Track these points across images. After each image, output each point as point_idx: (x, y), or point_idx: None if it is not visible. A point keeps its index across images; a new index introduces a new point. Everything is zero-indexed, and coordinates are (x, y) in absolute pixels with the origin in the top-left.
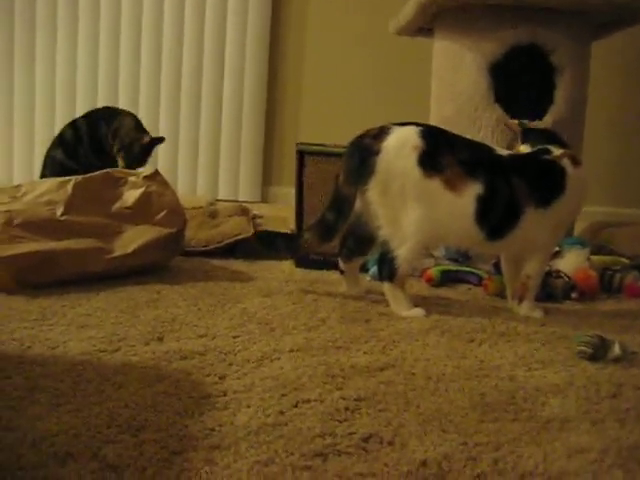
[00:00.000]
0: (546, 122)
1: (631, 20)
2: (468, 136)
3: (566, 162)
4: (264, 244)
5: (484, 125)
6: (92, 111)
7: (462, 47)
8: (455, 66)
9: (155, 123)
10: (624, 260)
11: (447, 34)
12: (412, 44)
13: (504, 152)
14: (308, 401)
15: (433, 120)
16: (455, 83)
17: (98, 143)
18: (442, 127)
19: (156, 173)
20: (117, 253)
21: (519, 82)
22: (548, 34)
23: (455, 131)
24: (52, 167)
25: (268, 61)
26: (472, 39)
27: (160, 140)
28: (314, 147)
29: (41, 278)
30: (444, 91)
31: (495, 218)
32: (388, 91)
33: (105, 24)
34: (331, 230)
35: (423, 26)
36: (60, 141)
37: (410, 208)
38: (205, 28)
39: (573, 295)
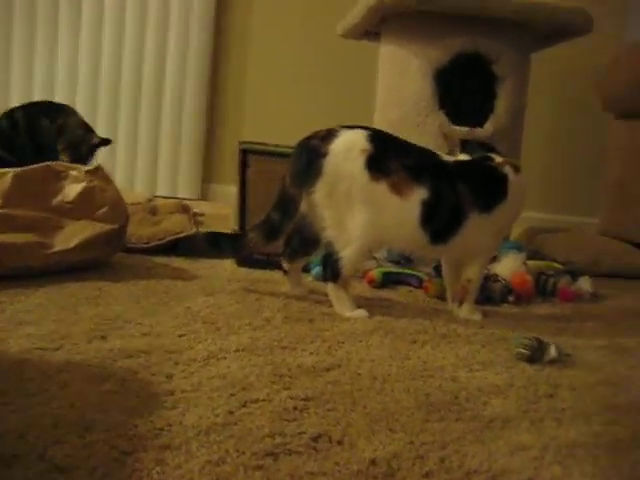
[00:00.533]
0: (487, 129)
1: (568, 34)
2: (413, 141)
3: (508, 169)
4: (209, 244)
5: (428, 131)
6: (31, 104)
7: (408, 53)
8: (401, 71)
9: (93, 116)
10: (557, 265)
11: (394, 39)
12: (358, 46)
13: (449, 158)
14: (256, 401)
15: (378, 124)
16: (401, 88)
17: (38, 137)
18: (388, 131)
19: (98, 168)
20: (57, 248)
21: (463, 89)
22: (491, 44)
23: (400, 136)
24: None
25: (211, 56)
26: (418, 45)
27: (107, 142)
28: (257, 146)
29: None
30: (390, 96)
31: (439, 223)
32: (332, 93)
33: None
34: (276, 230)
35: (370, 30)
36: None
37: (356, 211)
38: (147, 22)
39: (510, 298)
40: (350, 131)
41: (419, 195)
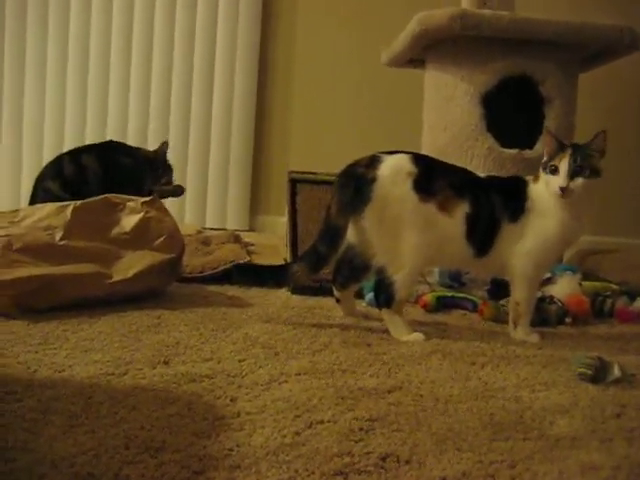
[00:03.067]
0: (536, 151)
1: (615, 53)
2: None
3: (530, 179)
4: (245, 276)
5: (476, 154)
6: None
7: (455, 78)
8: (447, 96)
9: None
10: (614, 286)
11: (439, 65)
12: (402, 74)
13: (481, 174)
14: (322, 422)
15: (426, 149)
16: (448, 113)
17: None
18: (425, 154)
19: (154, 199)
20: (116, 278)
21: (511, 112)
22: (537, 66)
23: (448, 160)
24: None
25: (256, 89)
26: (464, 70)
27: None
28: (306, 175)
29: (41, 303)
30: (437, 121)
31: (480, 234)
32: (377, 121)
33: (78, 59)
34: (321, 261)
35: (414, 57)
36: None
37: (406, 234)
38: (194, 57)
39: (567, 320)
40: (393, 156)
41: (463, 210)
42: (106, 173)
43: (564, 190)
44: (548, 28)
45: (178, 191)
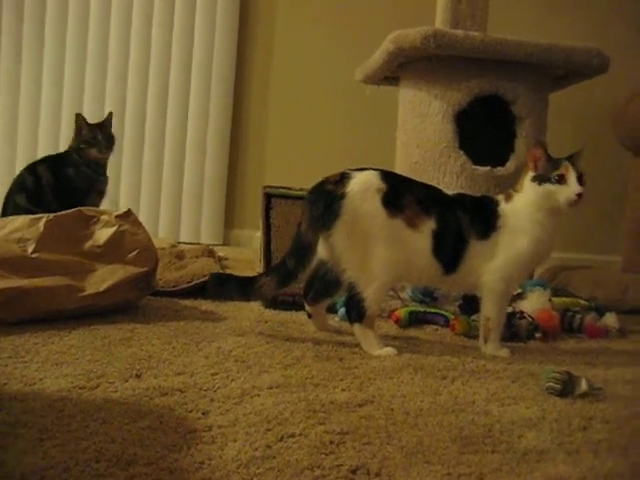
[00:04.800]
0: (508, 168)
1: (585, 74)
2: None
3: (500, 197)
4: (217, 286)
5: (449, 171)
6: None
7: (428, 96)
8: (421, 114)
9: (118, 163)
10: (583, 302)
11: (413, 83)
12: (376, 91)
13: (448, 191)
14: (293, 435)
15: (400, 166)
16: (422, 130)
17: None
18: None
19: (129, 212)
20: (89, 291)
21: (483, 130)
22: (509, 85)
23: (421, 176)
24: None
25: (232, 104)
26: (438, 88)
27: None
28: (280, 190)
29: (12, 315)
30: (411, 138)
31: (447, 250)
32: (352, 137)
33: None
34: (290, 276)
35: (388, 75)
36: (21, 187)
37: (376, 249)
38: (170, 68)
39: (537, 335)
40: (363, 173)
41: (430, 226)
42: (57, 182)
43: (581, 196)
44: (519, 49)
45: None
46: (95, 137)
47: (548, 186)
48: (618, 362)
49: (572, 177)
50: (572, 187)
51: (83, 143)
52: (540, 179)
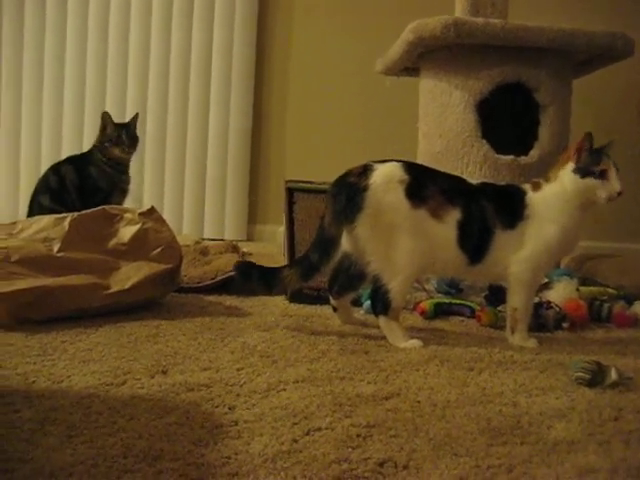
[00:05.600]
0: (531, 157)
1: (609, 59)
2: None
3: (527, 186)
4: (242, 275)
5: (472, 161)
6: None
7: (450, 85)
8: (443, 104)
9: (141, 161)
10: (611, 290)
11: (434, 73)
12: (397, 82)
13: (473, 181)
14: (319, 429)
15: (422, 157)
16: (443, 120)
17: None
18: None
19: (152, 210)
20: (114, 289)
21: (506, 118)
22: (531, 73)
23: (444, 167)
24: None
25: (253, 100)
26: (459, 77)
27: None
28: (303, 184)
29: (39, 314)
30: (432, 128)
31: (473, 240)
32: (373, 129)
33: (76, 67)
34: (313, 270)
35: (409, 66)
36: (46, 187)
37: (400, 241)
38: (191, 67)
39: (564, 325)
40: (385, 164)
41: (454, 217)
42: (81, 181)
43: (621, 194)
44: (541, 35)
45: None
46: (120, 136)
47: (591, 180)
48: None
49: (614, 174)
50: (614, 184)
51: (107, 141)
52: (583, 172)
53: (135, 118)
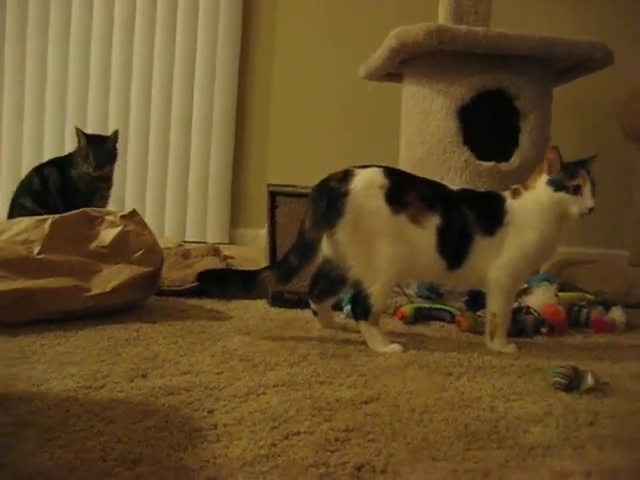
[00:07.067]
0: (512, 163)
1: (589, 68)
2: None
3: (506, 193)
4: (208, 283)
5: (453, 167)
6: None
7: (431, 91)
8: (425, 110)
9: (123, 163)
10: (589, 296)
11: (416, 79)
12: (379, 88)
13: (453, 187)
14: (298, 433)
15: (404, 162)
16: (425, 126)
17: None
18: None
19: (134, 213)
20: (95, 292)
21: (487, 125)
22: (513, 80)
23: (425, 172)
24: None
25: (236, 103)
26: (441, 84)
27: None
28: (285, 188)
29: (19, 317)
30: (414, 134)
31: (452, 246)
32: (355, 134)
33: (56, 68)
34: (292, 273)
35: (391, 71)
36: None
37: (380, 246)
38: (174, 70)
39: (543, 330)
40: (366, 170)
41: (434, 222)
42: (63, 184)
43: (592, 210)
44: (522, 43)
45: None
46: (87, 155)
47: (563, 195)
48: (625, 356)
49: (587, 190)
50: (586, 201)
51: (78, 157)
52: (556, 185)
53: (115, 134)
